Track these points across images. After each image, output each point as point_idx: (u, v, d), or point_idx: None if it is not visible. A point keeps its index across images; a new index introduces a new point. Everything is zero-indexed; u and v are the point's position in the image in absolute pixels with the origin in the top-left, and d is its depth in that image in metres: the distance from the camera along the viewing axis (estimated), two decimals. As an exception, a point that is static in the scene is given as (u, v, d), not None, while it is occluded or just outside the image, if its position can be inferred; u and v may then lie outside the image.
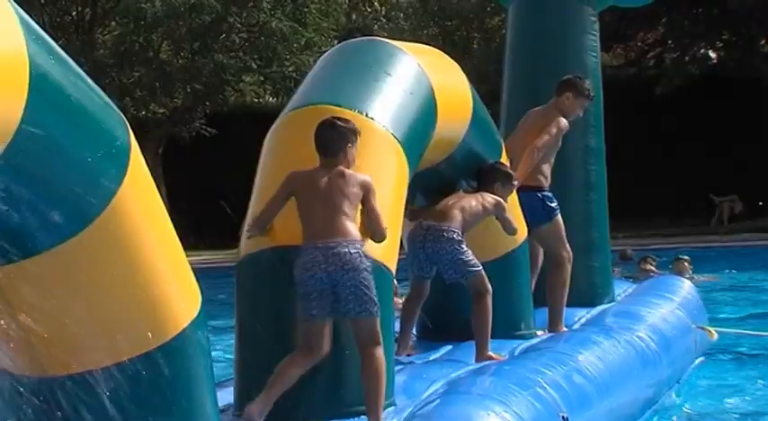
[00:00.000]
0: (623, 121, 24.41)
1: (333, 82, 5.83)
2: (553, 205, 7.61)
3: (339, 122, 5.26)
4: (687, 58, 24.37)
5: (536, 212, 7.52)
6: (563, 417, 5.58)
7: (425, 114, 5.94)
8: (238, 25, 25.01)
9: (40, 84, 3.43)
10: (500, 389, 5.50)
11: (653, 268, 14.50)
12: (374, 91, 5.74)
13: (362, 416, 5.10)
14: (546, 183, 7.62)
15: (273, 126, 5.71)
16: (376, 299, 5.06)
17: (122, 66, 24.87)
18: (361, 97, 5.66)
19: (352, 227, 5.12)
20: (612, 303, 8.81)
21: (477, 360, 6.50)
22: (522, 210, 7.34)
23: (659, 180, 24.32)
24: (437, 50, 6.81)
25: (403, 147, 5.65)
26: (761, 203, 23.09)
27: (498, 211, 6.82)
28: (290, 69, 24.64)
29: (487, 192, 6.83)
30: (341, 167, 5.21)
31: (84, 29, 25.13)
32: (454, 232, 6.56)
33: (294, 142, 5.52)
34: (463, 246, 6.57)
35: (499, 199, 6.83)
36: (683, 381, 8.24)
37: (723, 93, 24.16)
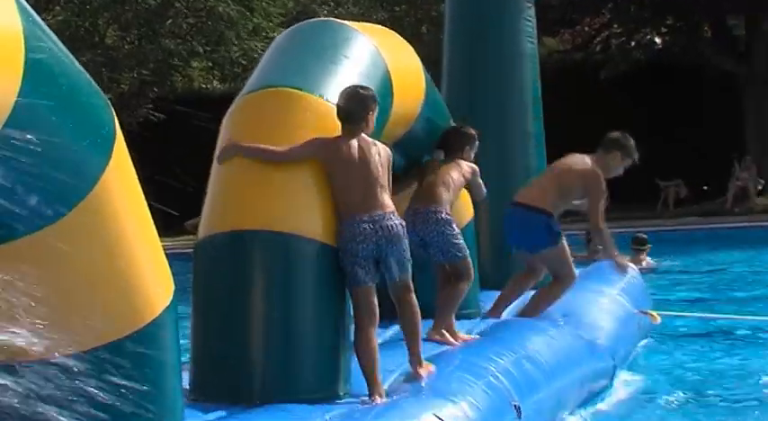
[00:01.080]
0: (569, 106, 24.65)
1: (291, 64, 5.81)
2: (557, 230, 7.58)
3: (360, 90, 5.54)
4: (633, 44, 24.58)
5: (539, 234, 7.52)
6: (515, 406, 5.63)
7: (382, 96, 5.93)
8: (185, 10, 24.85)
9: (35, 66, 3.41)
10: (455, 379, 5.52)
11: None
12: (332, 74, 5.73)
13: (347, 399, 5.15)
14: (554, 214, 7.59)
15: (231, 108, 5.68)
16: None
17: (68, 50, 24.64)
18: (320, 80, 5.65)
19: (388, 198, 5.52)
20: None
21: (429, 336, 6.51)
22: (523, 226, 7.40)
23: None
24: (391, 31, 6.84)
25: None
26: (705, 187, 23.37)
27: (474, 178, 6.93)
28: (238, 54, 24.55)
29: (459, 158, 6.87)
30: (366, 136, 5.49)
31: (29, 13, 24.86)
32: (442, 212, 6.65)
33: (253, 124, 5.51)
34: (453, 227, 6.67)
35: (473, 166, 6.93)
36: (628, 364, 8.33)
37: (668, 78, 24.41)
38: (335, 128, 5.50)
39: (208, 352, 5.27)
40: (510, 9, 8.92)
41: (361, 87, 5.59)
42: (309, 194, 5.36)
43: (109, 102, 3.93)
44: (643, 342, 9.05)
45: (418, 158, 6.95)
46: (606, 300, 8.43)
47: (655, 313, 9.23)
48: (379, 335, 6.55)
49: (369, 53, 6.01)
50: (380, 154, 5.56)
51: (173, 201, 20.50)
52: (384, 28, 6.85)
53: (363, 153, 5.48)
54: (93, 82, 3.86)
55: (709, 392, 7.54)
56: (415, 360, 5.62)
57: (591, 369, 7.16)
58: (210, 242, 5.34)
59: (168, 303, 3.97)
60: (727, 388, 7.65)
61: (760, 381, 7.73)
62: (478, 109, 8.57)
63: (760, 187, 23.22)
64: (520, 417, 5.61)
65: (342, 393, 5.32)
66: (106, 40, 25.24)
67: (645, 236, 14.74)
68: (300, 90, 5.53)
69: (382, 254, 5.44)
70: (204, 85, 27.65)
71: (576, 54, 25.47)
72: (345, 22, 6.23)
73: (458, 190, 6.86)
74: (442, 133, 7.04)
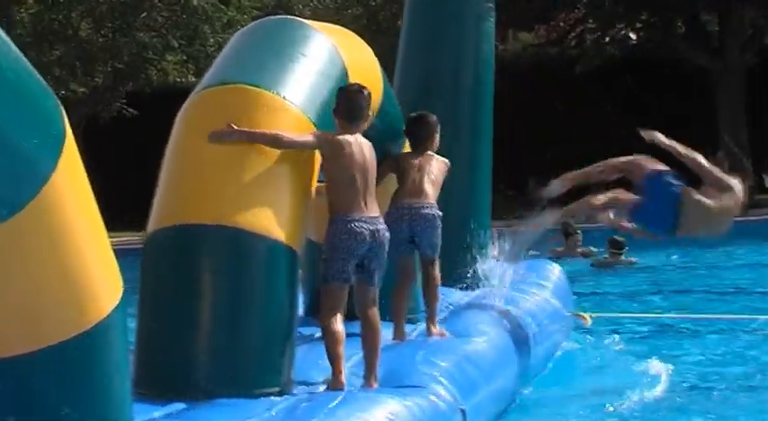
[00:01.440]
0: (545, 101, 24.70)
1: (248, 61, 5.82)
2: None
3: (365, 89, 5.76)
4: (607, 39, 24.64)
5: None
6: (461, 410, 5.64)
7: None
8: (159, 4, 24.76)
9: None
10: (402, 376, 5.57)
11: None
12: (290, 71, 5.73)
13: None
14: None
15: (187, 103, 5.68)
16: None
17: (41, 44, 24.50)
18: (277, 78, 5.65)
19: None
20: (490, 288, 8.87)
21: (428, 335, 6.80)
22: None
23: (581, 158, 24.55)
24: (348, 31, 6.84)
25: (317, 127, 5.66)
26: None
27: (448, 174, 7.03)
28: (213, 48, 24.46)
29: (428, 146, 6.95)
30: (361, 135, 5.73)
31: (2, 6, 24.70)
32: (434, 208, 6.80)
33: (209, 120, 5.50)
34: (440, 223, 6.81)
35: (447, 162, 7.03)
36: (554, 363, 8.41)
37: (642, 73, 24.48)
38: (292, 126, 5.50)
39: (153, 346, 5.28)
40: (471, 10, 8.89)
41: (361, 85, 5.76)
42: (265, 190, 5.36)
43: (59, 101, 3.90)
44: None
45: (382, 155, 6.94)
46: (540, 298, 8.56)
47: (586, 315, 9.30)
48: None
49: (327, 51, 6.01)
50: (373, 154, 5.72)
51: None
52: (342, 28, 6.85)
53: (364, 152, 5.64)
54: (43, 81, 3.83)
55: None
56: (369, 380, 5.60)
57: (524, 367, 7.28)
58: (158, 236, 5.34)
59: (117, 303, 3.96)
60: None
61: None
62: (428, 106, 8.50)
63: (732, 182, 23.29)
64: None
65: (288, 388, 5.33)
66: (80, 34, 25.12)
67: (622, 238, 14.81)
68: (258, 87, 5.53)
69: (369, 258, 5.62)
70: (179, 79, 27.54)
71: (551, 48, 25.51)
72: (304, 20, 6.22)
73: (440, 186, 6.96)
74: (408, 123, 7.06)
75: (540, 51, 25.68)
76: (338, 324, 5.52)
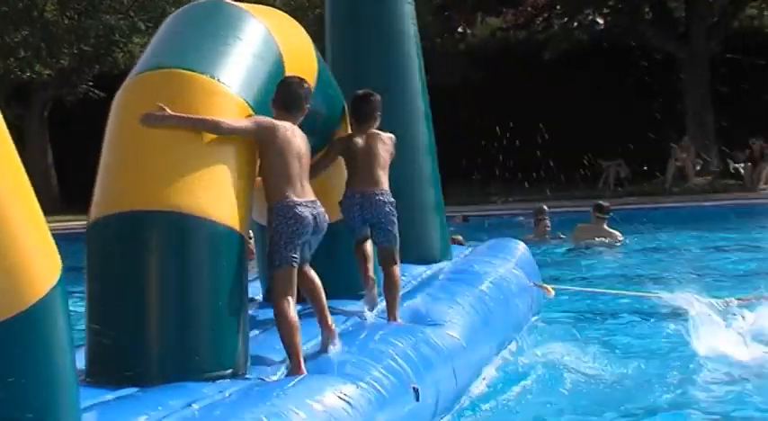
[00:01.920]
0: (512, 86, 24.75)
1: (183, 45, 5.80)
2: None
3: (305, 82, 5.90)
4: (575, 24, 24.71)
5: None
6: (414, 388, 5.69)
7: (275, 78, 5.94)
8: (126, -15, 24.63)
9: None
10: (356, 361, 5.59)
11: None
12: (224, 55, 5.72)
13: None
14: None
15: (122, 88, 5.66)
16: None
17: (6, 25, 24.28)
18: (213, 61, 5.64)
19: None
20: (449, 262, 8.93)
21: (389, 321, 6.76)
22: None
23: (546, 145, 24.67)
24: (281, 12, 6.81)
25: (254, 111, 5.66)
26: (645, 167, 23.58)
27: (395, 149, 7.00)
28: (180, 31, 24.37)
29: (372, 124, 6.90)
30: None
31: (-34, -13, 24.50)
32: (387, 195, 6.80)
33: (144, 104, 5.47)
34: (395, 210, 6.82)
35: (392, 136, 6.98)
36: (522, 338, 8.46)
37: (610, 58, 24.56)
38: (229, 109, 5.51)
39: (103, 333, 5.25)
40: None
41: (302, 78, 5.88)
42: (206, 174, 5.34)
43: None
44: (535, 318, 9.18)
45: (322, 138, 6.93)
46: (504, 270, 8.63)
47: (549, 287, 9.40)
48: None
49: (260, 34, 5.99)
50: (306, 142, 5.81)
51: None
52: (276, 10, 6.81)
53: (297, 138, 5.72)
54: None
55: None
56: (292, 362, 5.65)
57: (489, 342, 7.33)
58: (101, 224, 5.33)
59: (55, 282, 3.93)
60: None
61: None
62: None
63: (698, 167, 23.48)
64: (418, 400, 5.68)
65: (240, 371, 5.33)
66: (45, 15, 24.92)
67: (606, 203, 14.93)
68: (193, 71, 5.53)
69: (310, 243, 5.78)
70: (146, 62, 27.43)
71: (518, 33, 25.56)
72: (237, 3, 6.21)
73: (388, 165, 6.96)
74: (351, 102, 7.02)
75: (507, 35, 25.73)
76: (292, 310, 5.57)
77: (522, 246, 9.85)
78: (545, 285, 9.42)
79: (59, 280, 3.97)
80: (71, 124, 25.32)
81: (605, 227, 14.85)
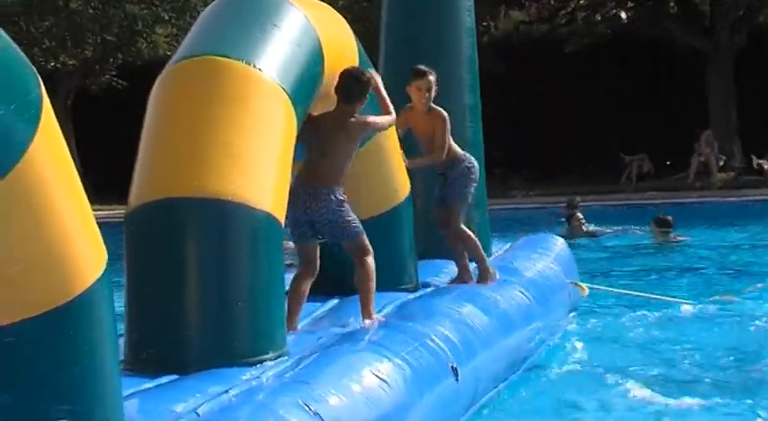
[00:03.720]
0: (534, 80, 24.69)
1: (221, 33, 5.80)
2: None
3: (355, 71, 6.28)
4: (598, 17, 24.62)
5: None
6: (452, 367, 5.73)
7: (313, 67, 5.95)
8: (150, -25, 24.69)
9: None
10: (392, 338, 5.63)
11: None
12: (262, 42, 5.72)
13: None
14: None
15: (160, 77, 5.66)
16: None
17: (31, 15, 24.37)
18: (250, 48, 5.64)
19: None
20: (491, 257, 8.92)
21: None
22: None
23: (570, 138, 24.62)
24: (324, 4, 6.78)
25: (291, 98, 5.66)
26: (668, 162, 23.52)
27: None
28: (203, 22, 24.41)
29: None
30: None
31: (-9, -23, 24.60)
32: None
33: (181, 93, 5.49)
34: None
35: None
36: (562, 334, 8.45)
37: (633, 52, 24.46)
38: (266, 96, 5.53)
39: (143, 322, 5.27)
40: None
41: (356, 68, 6.19)
42: (247, 161, 5.35)
43: (34, 68, 3.85)
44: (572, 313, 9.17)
45: None
46: (542, 266, 8.62)
47: (584, 285, 9.37)
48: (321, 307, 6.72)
49: (299, 23, 5.99)
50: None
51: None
52: (318, 1, 6.79)
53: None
54: (16, 46, 3.77)
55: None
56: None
57: (527, 335, 7.34)
58: (141, 211, 5.33)
59: (100, 274, 3.94)
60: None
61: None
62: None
63: (721, 163, 23.38)
64: (457, 379, 5.71)
65: (279, 355, 5.33)
66: (70, 5, 24.99)
67: (669, 217, 14.80)
68: (229, 58, 5.53)
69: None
70: (169, 52, 27.45)
71: (541, 26, 25.50)
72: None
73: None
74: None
75: (530, 29, 25.66)
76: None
77: (560, 241, 9.81)
78: (580, 283, 9.38)
79: (104, 271, 3.99)
80: (95, 113, 25.40)
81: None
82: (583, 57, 23.84)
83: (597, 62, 24.26)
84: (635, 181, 23.68)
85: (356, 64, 6.57)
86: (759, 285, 10.64)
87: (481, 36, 25.94)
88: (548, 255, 9.08)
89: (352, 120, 6.20)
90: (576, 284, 9.26)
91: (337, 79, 6.22)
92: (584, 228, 15.56)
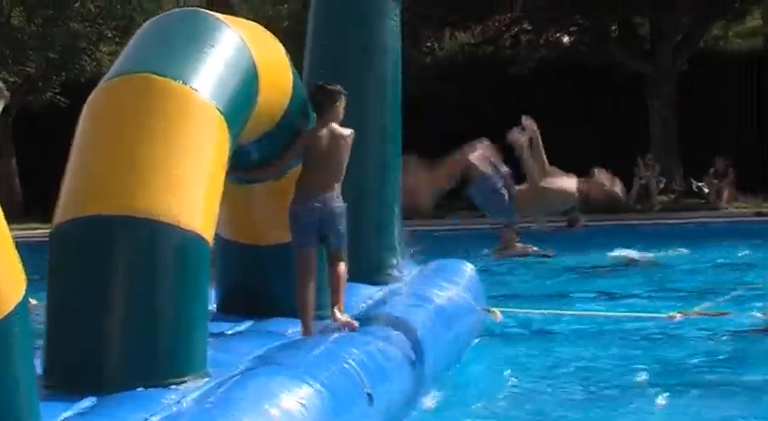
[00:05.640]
0: (479, 102, 24.83)
1: (156, 51, 5.82)
2: None
3: (328, 85, 6.89)
4: (541, 42, 24.82)
5: None
6: (367, 393, 5.76)
7: (248, 87, 5.98)
8: (94, -8, 24.56)
9: None
10: (310, 362, 5.66)
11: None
12: (198, 62, 5.74)
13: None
14: None
15: (94, 93, 5.67)
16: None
17: None
18: (185, 68, 5.66)
19: None
20: (401, 284, 8.88)
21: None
22: None
23: (513, 160, 24.73)
24: (258, 25, 6.82)
25: (225, 118, 5.68)
26: (610, 184, 23.72)
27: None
28: (148, 40, 24.32)
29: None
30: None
31: (-68, -9, 24.35)
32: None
33: (117, 110, 5.49)
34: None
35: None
36: (467, 359, 8.54)
37: (576, 76, 24.68)
38: (196, 115, 5.52)
39: (64, 340, 5.23)
40: (374, 6, 8.87)
41: (328, 83, 6.69)
42: (176, 180, 5.34)
43: None
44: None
45: (279, 152, 6.91)
46: (452, 294, 8.67)
47: (497, 311, 9.43)
48: (234, 327, 6.72)
49: (235, 44, 6.01)
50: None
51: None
52: (251, 22, 6.84)
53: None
54: None
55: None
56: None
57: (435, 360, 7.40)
58: (67, 228, 5.30)
59: (19, 300, 3.91)
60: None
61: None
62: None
63: (662, 186, 23.64)
64: (371, 404, 5.74)
65: (200, 377, 5.33)
66: (12, 21, 24.77)
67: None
68: (164, 76, 5.54)
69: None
70: (113, 70, 27.32)
71: (486, 48, 25.65)
72: (212, 13, 6.24)
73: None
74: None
75: (476, 51, 25.82)
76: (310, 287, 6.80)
77: (470, 267, 9.86)
78: (493, 309, 9.46)
79: (23, 296, 3.95)
80: (36, 131, 25.15)
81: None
82: (527, 79, 24.02)
83: (541, 85, 24.44)
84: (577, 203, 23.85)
85: (290, 84, 6.59)
86: (697, 308, 10.75)
87: (425, 56, 26.15)
88: (457, 282, 9.11)
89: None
90: (488, 310, 9.34)
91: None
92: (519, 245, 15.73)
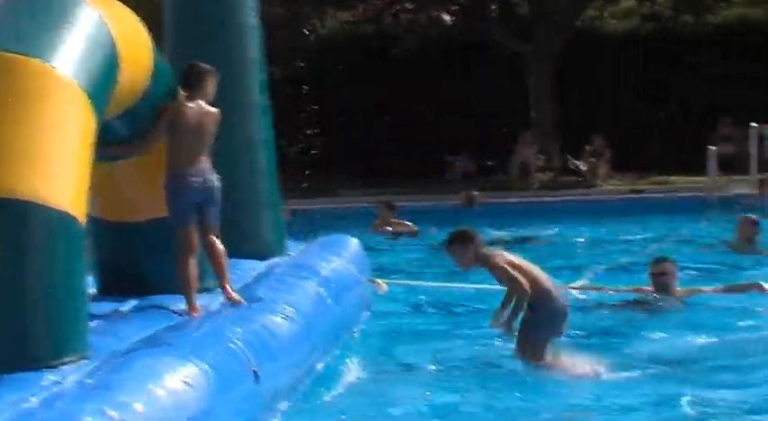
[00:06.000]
0: (361, 81, 24.88)
1: (14, 29, 5.73)
2: None
3: (198, 63, 6.93)
4: (422, 20, 24.95)
5: None
6: (253, 371, 5.79)
7: (108, 64, 5.96)
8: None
9: None
10: (195, 342, 5.68)
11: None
12: (57, 39, 5.69)
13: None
14: None
15: None
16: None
17: None
18: (44, 45, 5.61)
19: None
20: (287, 258, 8.99)
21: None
22: None
23: (396, 138, 24.89)
24: (118, 2, 6.76)
25: (88, 96, 5.62)
26: (490, 163, 24.02)
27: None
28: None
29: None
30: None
31: None
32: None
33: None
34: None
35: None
36: (358, 332, 8.61)
37: (457, 55, 24.88)
38: (61, 93, 5.44)
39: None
40: None
41: (199, 62, 6.71)
42: (46, 158, 5.27)
43: None
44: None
45: (145, 130, 6.85)
46: (337, 265, 8.76)
47: (382, 282, 9.55)
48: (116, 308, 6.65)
49: (93, 21, 5.97)
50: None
51: None
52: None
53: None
54: None
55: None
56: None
57: (324, 336, 7.44)
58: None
59: None
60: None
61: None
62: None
63: (540, 164, 23.99)
64: (258, 382, 5.76)
65: (80, 358, 5.30)
66: None
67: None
68: (25, 55, 5.48)
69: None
70: None
71: (367, 27, 25.68)
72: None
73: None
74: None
75: (357, 29, 25.83)
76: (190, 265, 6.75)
77: (354, 242, 9.94)
78: (378, 281, 9.55)
79: None
80: None
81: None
82: (409, 58, 24.13)
83: (423, 63, 24.58)
84: (458, 181, 24.08)
85: (151, 61, 6.54)
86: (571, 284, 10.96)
87: (307, 36, 26.06)
88: (342, 256, 9.20)
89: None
90: (374, 282, 9.43)
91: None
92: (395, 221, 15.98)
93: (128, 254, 7.07)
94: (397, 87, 24.68)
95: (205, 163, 6.83)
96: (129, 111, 6.53)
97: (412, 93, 24.77)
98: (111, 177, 6.99)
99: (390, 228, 15.93)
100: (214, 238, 6.89)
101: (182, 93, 6.94)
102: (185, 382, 5.09)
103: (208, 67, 6.98)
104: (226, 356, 5.69)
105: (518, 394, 6.88)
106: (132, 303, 6.87)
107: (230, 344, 5.84)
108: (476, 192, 19.16)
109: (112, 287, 7.19)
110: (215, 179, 6.85)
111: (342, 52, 25.16)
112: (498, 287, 9.27)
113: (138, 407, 4.68)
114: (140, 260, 7.09)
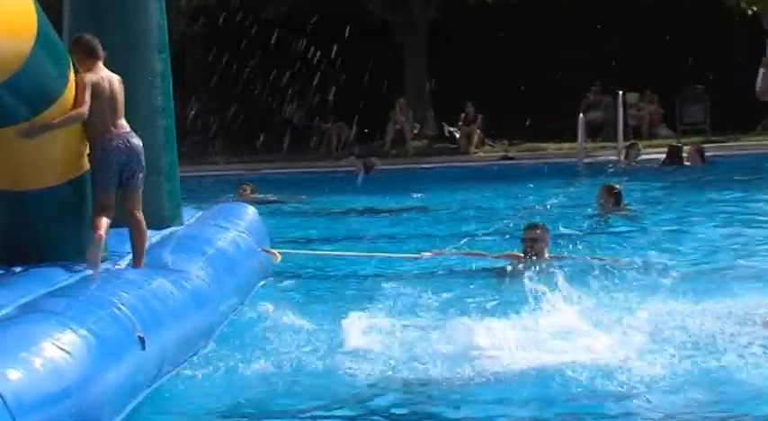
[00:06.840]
0: (231, 45, 24.64)
1: None
2: None
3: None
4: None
5: None
6: (139, 337, 5.80)
7: None
8: None
9: None
10: (77, 308, 5.64)
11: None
12: None
13: None
14: None
15: None
16: None
17: None
18: None
19: None
20: (181, 226, 9.02)
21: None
22: None
23: (269, 106, 24.78)
24: None
25: None
26: (366, 130, 24.17)
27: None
28: None
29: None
30: None
31: None
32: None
33: None
34: None
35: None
36: (251, 302, 8.65)
37: (331, 24, 24.85)
38: None
39: None
40: None
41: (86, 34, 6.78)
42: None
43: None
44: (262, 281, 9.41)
45: (35, 100, 6.77)
46: (233, 235, 8.81)
47: (276, 251, 9.64)
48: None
49: None
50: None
51: None
52: None
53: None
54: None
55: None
56: None
57: (215, 306, 7.47)
58: None
59: None
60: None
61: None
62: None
63: (416, 131, 24.26)
64: (144, 348, 5.77)
65: None
66: None
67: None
68: None
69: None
70: None
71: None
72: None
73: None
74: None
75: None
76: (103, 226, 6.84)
77: (251, 210, 9.98)
78: (272, 250, 9.61)
79: None
80: None
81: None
82: (280, 25, 23.98)
83: (296, 31, 24.47)
84: (334, 149, 24.18)
85: (34, 28, 6.42)
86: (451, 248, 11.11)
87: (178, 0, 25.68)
88: (238, 224, 9.23)
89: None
90: (267, 251, 9.49)
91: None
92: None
93: (13, 223, 6.94)
94: (269, 54, 24.46)
95: (125, 127, 6.96)
96: (14, 76, 6.36)
97: (284, 61, 24.65)
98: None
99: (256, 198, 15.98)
100: (141, 216, 7.01)
101: (85, 63, 6.95)
102: (64, 350, 5.02)
103: (85, 40, 7.08)
104: (109, 322, 5.66)
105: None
106: (16, 271, 6.80)
107: (114, 310, 5.81)
108: (375, 159, 19.19)
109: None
110: (138, 141, 6.97)
111: (213, 15, 24.88)
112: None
113: (13, 374, 4.61)
114: (27, 229, 6.97)
